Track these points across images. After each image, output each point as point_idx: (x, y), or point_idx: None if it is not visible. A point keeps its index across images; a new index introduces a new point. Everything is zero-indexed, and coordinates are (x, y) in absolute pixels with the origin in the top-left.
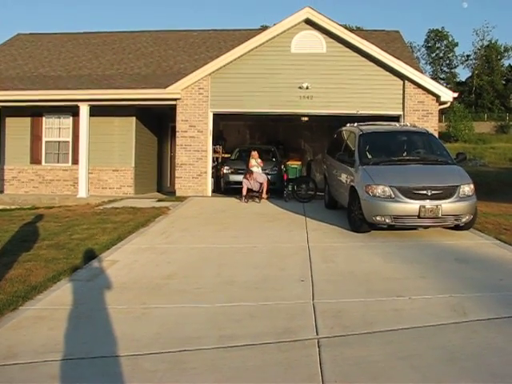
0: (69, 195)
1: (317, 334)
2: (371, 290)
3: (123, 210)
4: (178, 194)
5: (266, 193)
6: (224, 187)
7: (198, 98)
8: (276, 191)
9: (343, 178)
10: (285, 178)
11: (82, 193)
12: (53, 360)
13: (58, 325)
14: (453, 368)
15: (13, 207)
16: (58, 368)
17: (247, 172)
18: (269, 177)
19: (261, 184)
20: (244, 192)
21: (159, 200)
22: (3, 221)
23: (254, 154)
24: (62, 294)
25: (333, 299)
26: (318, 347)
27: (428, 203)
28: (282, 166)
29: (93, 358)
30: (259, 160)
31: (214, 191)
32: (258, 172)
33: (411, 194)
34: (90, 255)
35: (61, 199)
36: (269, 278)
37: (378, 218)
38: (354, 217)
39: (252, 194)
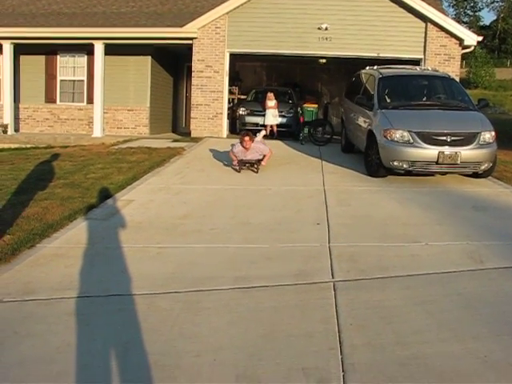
0: (84, 135)
1: (332, 277)
2: (387, 234)
3: (138, 150)
4: (193, 134)
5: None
6: (240, 128)
7: (214, 38)
8: (292, 134)
9: (361, 121)
10: (301, 120)
11: (97, 132)
12: (69, 297)
13: (74, 263)
14: (468, 315)
15: (28, 146)
16: (73, 305)
17: (243, 140)
18: (285, 119)
19: (263, 156)
20: (235, 163)
21: (174, 140)
22: (19, 159)
23: (270, 95)
24: (77, 233)
25: (348, 243)
26: (334, 290)
27: (447, 149)
28: (299, 109)
29: (108, 295)
30: (275, 101)
31: (229, 132)
32: (258, 142)
33: (430, 139)
34: (106, 194)
35: (76, 138)
36: (284, 221)
37: (395, 163)
38: (371, 161)
39: (248, 161)
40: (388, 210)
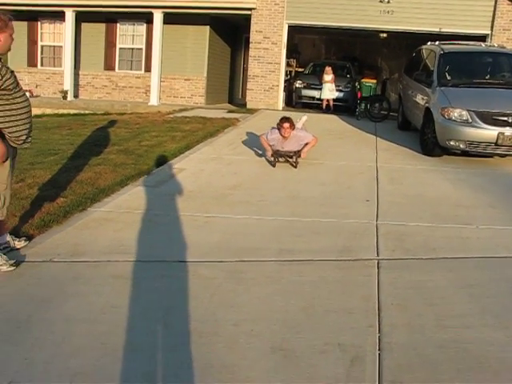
0: (140, 102)
1: (377, 255)
2: (437, 215)
3: (193, 120)
4: (248, 106)
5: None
6: (296, 101)
7: (273, 9)
8: (348, 109)
9: (419, 98)
10: (358, 95)
11: (154, 101)
12: (116, 260)
13: (122, 227)
14: None
15: (86, 112)
16: (119, 268)
17: (281, 127)
18: (341, 94)
19: (305, 144)
20: (268, 154)
21: (229, 111)
22: (77, 125)
23: (328, 69)
24: (128, 199)
25: (397, 221)
26: (378, 268)
27: (508, 130)
28: (356, 84)
29: (154, 261)
30: (332, 75)
31: (285, 105)
32: (299, 130)
33: (490, 119)
34: (158, 162)
35: (132, 106)
36: (334, 196)
37: (451, 143)
38: (427, 140)
39: (285, 153)
40: (440, 190)
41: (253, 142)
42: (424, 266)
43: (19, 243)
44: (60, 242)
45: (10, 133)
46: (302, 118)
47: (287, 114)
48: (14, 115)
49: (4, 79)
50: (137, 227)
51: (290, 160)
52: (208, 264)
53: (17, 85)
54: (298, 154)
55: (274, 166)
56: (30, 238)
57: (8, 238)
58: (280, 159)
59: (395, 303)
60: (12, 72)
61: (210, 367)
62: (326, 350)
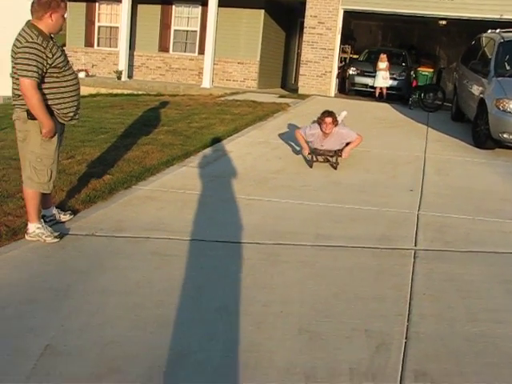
0: (193, 85)
1: (415, 246)
2: (482, 208)
3: (243, 103)
4: (300, 91)
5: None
6: (348, 89)
7: None
8: (401, 98)
9: (474, 89)
10: (414, 84)
11: (206, 83)
12: (155, 237)
13: (164, 206)
14: None
15: (139, 93)
16: (158, 245)
17: (323, 121)
18: (395, 82)
19: (346, 144)
20: (305, 152)
21: (281, 96)
22: (129, 105)
23: (383, 56)
24: (172, 178)
25: (439, 213)
26: (414, 258)
27: None
28: (412, 72)
29: (192, 240)
30: (387, 63)
31: (339, 92)
32: (342, 126)
33: None
34: (205, 144)
35: (185, 88)
36: (377, 184)
37: (504, 136)
38: (479, 132)
39: (324, 152)
40: (488, 184)
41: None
42: (462, 259)
43: (64, 217)
44: (103, 217)
45: (58, 109)
46: (341, 114)
47: (338, 100)
48: (62, 92)
49: (54, 57)
50: (178, 206)
51: (331, 160)
52: (245, 245)
53: (66, 63)
54: (338, 153)
55: (311, 166)
56: (75, 212)
57: (54, 211)
58: (319, 158)
59: (427, 294)
60: (62, 50)
61: (237, 344)
62: (352, 335)
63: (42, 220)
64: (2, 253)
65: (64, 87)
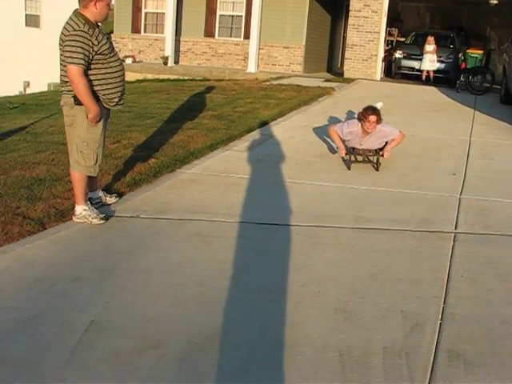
0: (238, 69)
1: (455, 229)
2: None
3: (288, 88)
4: (345, 75)
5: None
6: (395, 72)
7: None
8: (449, 81)
9: None
10: (463, 66)
11: (252, 68)
12: (198, 219)
13: (208, 189)
14: None
15: (185, 78)
16: (201, 227)
17: (366, 119)
18: (443, 65)
19: (386, 143)
20: (342, 152)
21: (326, 80)
22: (175, 90)
23: (430, 39)
24: (216, 162)
25: (481, 196)
26: (453, 241)
27: None
28: (460, 55)
29: (234, 222)
30: (434, 46)
31: (385, 76)
32: (385, 125)
33: None
34: (249, 128)
35: (230, 73)
36: (420, 168)
37: None
38: None
39: (364, 152)
40: None
41: (346, 111)
42: (503, 243)
43: (110, 199)
44: (148, 200)
45: (103, 95)
46: (376, 105)
47: (384, 84)
48: (108, 78)
49: (100, 45)
50: (221, 189)
51: (372, 160)
52: (285, 227)
53: (112, 50)
54: (379, 153)
55: (349, 168)
56: (120, 195)
57: (100, 193)
58: (357, 158)
59: (465, 276)
60: (108, 38)
61: (275, 322)
62: (387, 316)
63: (88, 202)
64: (51, 233)
65: (109, 73)
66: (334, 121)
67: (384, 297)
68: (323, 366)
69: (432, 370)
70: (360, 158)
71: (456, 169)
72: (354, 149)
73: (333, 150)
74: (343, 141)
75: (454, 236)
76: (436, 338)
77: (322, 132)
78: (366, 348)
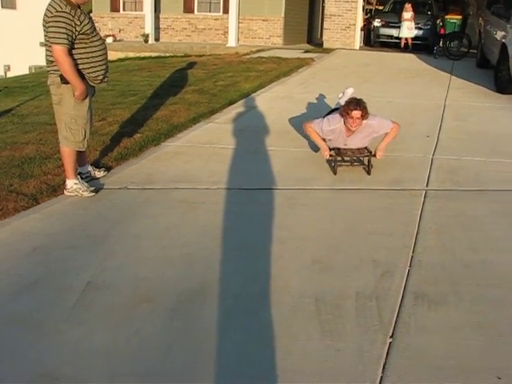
0: (219, 44)
1: (426, 186)
2: (496, 151)
3: (268, 60)
4: (325, 46)
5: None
6: (374, 41)
7: None
8: (427, 47)
9: (495, 34)
10: (442, 32)
11: (232, 42)
12: (183, 188)
13: (191, 159)
14: None
15: (166, 55)
16: (185, 194)
17: (348, 115)
18: (421, 32)
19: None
20: (325, 154)
21: (305, 51)
22: (157, 67)
23: (407, 6)
24: (199, 134)
25: (453, 156)
26: (424, 198)
27: None
28: (439, 21)
29: (216, 188)
30: (411, 13)
31: (365, 44)
32: (373, 117)
33: None
34: (230, 101)
35: (211, 48)
36: None
37: None
38: (501, 77)
39: (350, 153)
40: (505, 128)
41: (325, 81)
42: (470, 197)
43: (99, 173)
44: (134, 172)
45: (88, 73)
46: (346, 92)
47: (363, 53)
48: (91, 57)
49: (82, 25)
50: (204, 159)
51: (362, 161)
52: (265, 191)
53: (94, 30)
54: (370, 153)
55: (335, 173)
56: (108, 169)
57: (89, 168)
58: (344, 160)
59: (433, 228)
60: (90, 18)
61: (257, 275)
62: (360, 265)
63: (78, 176)
64: (44, 207)
65: (93, 52)
66: (312, 90)
67: (357, 249)
68: (301, 311)
69: (399, 310)
70: (347, 162)
71: (430, 131)
72: (339, 149)
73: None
74: (324, 140)
75: (425, 193)
76: (404, 282)
77: (300, 101)
78: (340, 294)
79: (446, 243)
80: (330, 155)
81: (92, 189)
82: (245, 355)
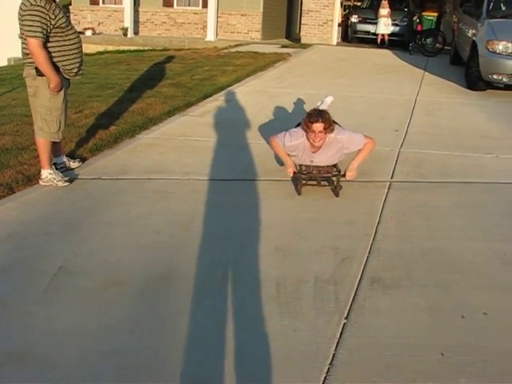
0: (198, 38)
1: (391, 178)
2: (463, 145)
3: (246, 55)
4: (302, 41)
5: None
6: (351, 36)
7: None
8: (403, 43)
9: (467, 31)
10: (419, 29)
11: (211, 36)
12: (156, 178)
13: (165, 151)
14: (509, 222)
15: (145, 48)
16: (157, 184)
17: (310, 128)
18: (397, 28)
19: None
20: (290, 171)
21: (283, 46)
22: (135, 61)
23: (384, 3)
24: (173, 127)
25: (419, 150)
26: (388, 189)
27: None
28: (416, 17)
29: (188, 179)
30: (388, 10)
31: (343, 40)
32: (341, 130)
33: None
34: (206, 94)
35: (190, 42)
36: (364, 125)
37: (494, 77)
38: (471, 74)
39: (316, 172)
40: (473, 123)
41: (300, 76)
42: (432, 189)
43: (74, 164)
44: (109, 163)
45: (63, 66)
46: (325, 100)
47: (340, 49)
48: (66, 50)
49: (57, 19)
50: (178, 151)
51: (330, 182)
52: (235, 182)
53: (68, 23)
54: (339, 172)
55: (299, 193)
56: (83, 159)
57: (64, 159)
58: (310, 180)
59: (394, 218)
60: (64, 12)
61: (222, 261)
62: (320, 252)
63: (53, 167)
64: (20, 196)
65: (67, 45)
66: (286, 85)
67: (319, 237)
68: (261, 293)
69: (355, 293)
70: (314, 179)
71: (399, 126)
72: (302, 167)
73: (285, 114)
74: (289, 155)
75: (389, 184)
76: (362, 268)
77: (275, 96)
78: (300, 278)
79: (406, 232)
80: (294, 172)
81: (66, 179)
82: (204, 334)
